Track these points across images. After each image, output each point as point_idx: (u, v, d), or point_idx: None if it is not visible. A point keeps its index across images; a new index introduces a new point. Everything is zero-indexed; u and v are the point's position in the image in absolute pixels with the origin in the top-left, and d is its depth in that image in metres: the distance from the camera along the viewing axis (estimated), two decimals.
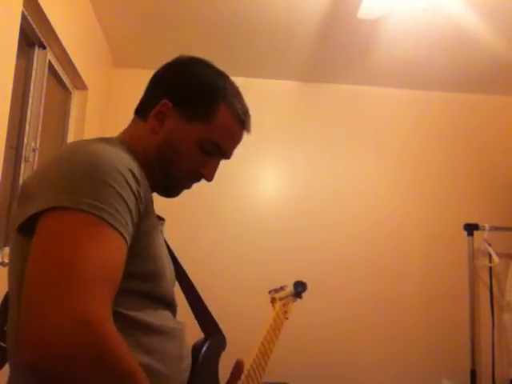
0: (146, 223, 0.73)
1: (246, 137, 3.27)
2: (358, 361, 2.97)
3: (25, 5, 1.72)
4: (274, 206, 3.12)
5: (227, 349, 0.97)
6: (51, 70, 2.22)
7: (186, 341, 0.83)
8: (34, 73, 2.04)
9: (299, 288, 1.57)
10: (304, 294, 1.59)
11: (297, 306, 3.17)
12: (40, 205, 0.64)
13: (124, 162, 0.71)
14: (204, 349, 0.87)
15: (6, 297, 0.80)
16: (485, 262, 3.00)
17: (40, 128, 2.09)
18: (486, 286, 3.08)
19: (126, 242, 0.66)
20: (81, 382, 0.55)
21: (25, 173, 2.00)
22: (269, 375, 3.09)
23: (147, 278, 0.74)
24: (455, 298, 3.05)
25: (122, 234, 0.64)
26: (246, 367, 1.01)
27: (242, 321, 2.93)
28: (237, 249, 3.02)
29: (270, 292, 1.45)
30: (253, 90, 3.23)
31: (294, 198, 3.14)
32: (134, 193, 0.69)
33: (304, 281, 1.57)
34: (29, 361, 0.53)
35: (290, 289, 1.53)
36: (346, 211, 3.14)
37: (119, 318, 0.64)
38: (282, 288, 1.49)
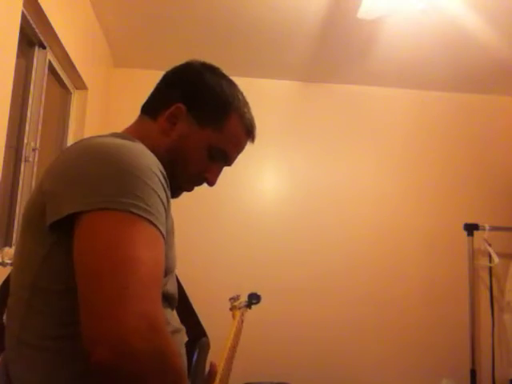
0: (168, 222, 0.74)
1: None
2: (358, 361, 2.97)
3: (25, 5, 1.72)
4: (274, 206, 3.12)
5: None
6: (51, 70, 2.22)
7: (183, 342, 0.84)
8: (33, 73, 2.04)
9: (254, 300, 1.63)
10: (255, 306, 1.65)
11: (297, 307, 3.18)
12: (86, 204, 0.63)
13: (154, 161, 0.72)
14: (196, 355, 0.88)
15: (3, 288, 0.80)
16: (485, 262, 3.00)
17: (40, 128, 2.09)
18: (486, 286, 3.08)
19: (165, 243, 0.68)
20: (152, 381, 0.57)
21: (25, 173, 2.00)
22: (269, 375, 3.11)
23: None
24: (455, 298, 3.05)
25: (162, 234, 0.67)
26: (219, 370, 1.03)
27: (244, 323, 2.93)
28: (237, 249, 3.02)
29: (230, 300, 1.48)
30: (253, 90, 3.23)
31: (294, 199, 3.14)
32: (165, 193, 0.71)
33: (259, 293, 1.63)
34: (107, 361, 0.54)
35: (244, 299, 1.59)
36: (346, 211, 3.14)
37: None
38: (237, 296, 1.54)
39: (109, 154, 0.69)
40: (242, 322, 1.45)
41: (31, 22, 1.88)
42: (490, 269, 2.99)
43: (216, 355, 1.09)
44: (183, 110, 0.87)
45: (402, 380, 2.94)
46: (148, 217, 0.64)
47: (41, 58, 2.08)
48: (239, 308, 1.46)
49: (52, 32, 1.98)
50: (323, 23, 2.53)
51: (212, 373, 0.97)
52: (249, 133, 0.93)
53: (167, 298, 0.79)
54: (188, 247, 2.96)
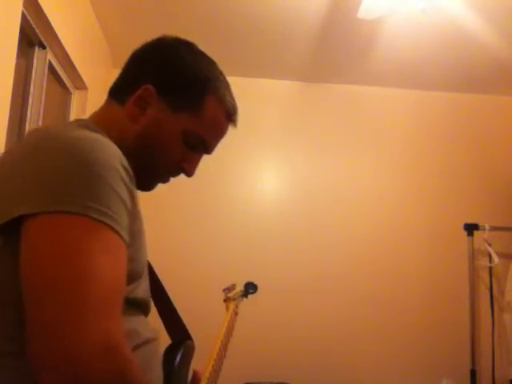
0: (136, 222, 0.67)
1: (246, 137, 3.27)
2: (358, 361, 2.97)
3: (25, 5, 1.72)
4: (274, 206, 3.11)
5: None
6: (51, 70, 2.22)
7: (159, 352, 0.78)
8: (33, 73, 2.04)
9: (250, 289, 1.58)
10: (252, 296, 1.60)
11: (297, 307, 3.18)
12: (34, 205, 0.55)
13: (115, 155, 0.64)
14: (178, 358, 0.82)
15: None
16: (485, 262, 3.00)
17: None
18: (486, 286, 3.08)
19: (126, 247, 0.61)
20: None
21: None
22: (269, 375, 3.10)
23: (127, 280, 0.64)
24: (455, 298, 3.05)
25: (123, 239, 0.60)
26: (205, 375, 0.98)
27: (245, 323, 2.93)
28: (236, 249, 3.02)
29: (224, 291, 1.41)
30: (253, 90, 3.25)
31: (294, 198, 3.13)
32: (129, 191, 0.63)
33: (255, 283, 1.58)
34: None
35: (240, 289, 1.54)
36: (346, 211, 3.14)
37: None
38: (233, 286, 1.48)
39: (62, 147, 0.61)
40: (236, 314, 1.40)
41: (31, 22, 1.88)
42: (490, 269, 2.99)
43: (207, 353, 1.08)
44: (153, 92, 0.77)
45: (402, 380, 2.94)
46: (107, 221, 0.57)
47: (41, 58, 2.08)
48: (234, 299, 1.40)
49: (52, 32, 1.98)
50: (323, 23, 2.53)
51: (195, 382, 0.90)
52: (229, 116, 0.85)
53: (138, 305, 0.72)
54: (187, 247, 2.96)
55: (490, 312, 2.95)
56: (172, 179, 0.89)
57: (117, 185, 0.60)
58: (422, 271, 3.11)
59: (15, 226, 0.56)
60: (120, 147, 0.71)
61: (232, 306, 1.35)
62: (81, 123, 0.73)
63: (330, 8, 2.38)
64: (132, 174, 0.66)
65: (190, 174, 0.86)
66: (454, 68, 2.99)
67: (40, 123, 2.08)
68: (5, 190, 0.59)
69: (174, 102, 0.78)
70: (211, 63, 0.84)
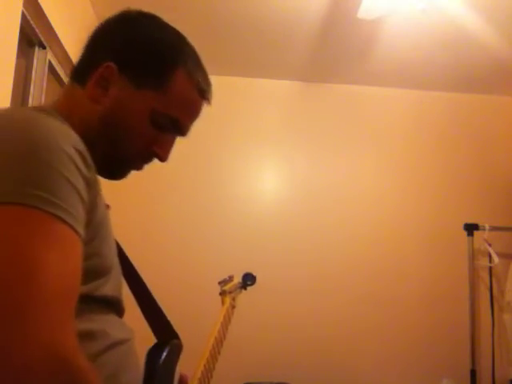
0: (97, 213, 0.61)
1: (246, 136, 3.27)
2: (357, 361, 2.97)
3: (25, 5, 1.72)
4: (274, 206, 3.11)
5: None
6: (51, 70, 2.22)
7: (135, 352, 0.71)
8: (33, 73, 2.04)
9: (249, 281, 1.51)
10: (251, 287, 1.54)
11: (297, 307, 3.18)
12: None
13: (70, 139, 0.57)
14: (163, 357, 0.77)
15: None
16: (485, 262, 3.00)
17: None
18: (486, 286, 3.08)
19: (82, 241, 0.54)
20: None
21: None
22: (269, 375, 3.10)
23: (88, 278, 0.59)
24: (455, 298, 3.05)
25: (77, 232, 0.53)
26: (197, 375, 0.94)
27: (245, 323, 2.94)
28: (236, 249, 3.02)
29: (219, 283, 1.34)
30: (253, 90, 3.26)
31: (294, 198, 3.13)
32: (84, 178, 0.56)
33: (254, 274, 1.51)
34: None
35: (238, 280, 1.48)
36: (346, 211, 3.14)
37: None
38: (230, 278, 1.41)
39: (7, 130, 0.55)
40: (234, 307, 1.34)
41: (31, 22, 1.88)
42: (490, 269, 2.99)
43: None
44: (114, 70, 0.71)
45: (402, 380, 2.94)
46: (56, 212, 0.50)
47: (41, 58, 2.08)
48: (230, 292, 1.33)
49: (52, 32, 1.98)
50: (323, 23, 2.53)
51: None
52: (202, 93, 0.77)
53: (107, 303, 0.66)
54: (186, 247, 2.95)
55: (490, 312, 2.95)
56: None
57: (68, 171, 0.53)
58: (422, 271, 3.11)
59: None
60: (84, 132, 0.67)
61: (228, 299, 1.29)
62: (37, 108, 0.67)
63: (329, 8, 2.38)
64: (90, 158, 0.59)
65: (163, 158, 0.77)
66: (454, 68, 2.99)
67: None
68: None
69: (138, 78, 0.72)
70: (179, 36, 0.78)
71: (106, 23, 0.77)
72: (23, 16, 1.74)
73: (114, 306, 0.69)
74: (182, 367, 0.88)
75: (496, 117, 3.35)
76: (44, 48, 2.08)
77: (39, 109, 0.65)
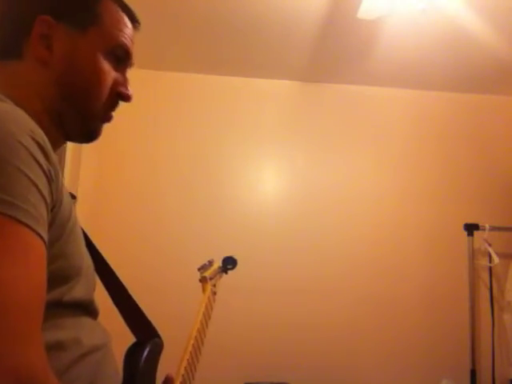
0: (61, 210, 0.55)
1: (245, 136, 3.28)
2: (357, 361, 2.97)
3: None
4: (274, 206, 3.11)
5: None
6: None
7: (112, 357, 0.68)
8: None
9: (229, 265, 1.48)
10: (231, 271, 1.50)
11: (297, 307, 3.17)
12: None
13: (25, 128, 0.51)
14: (144, 356, 0.73)
15: None
16: (485, 262, 3.00)
17: None
18: (486, 286, 3.08)
19: (45, 244, 0.49)
20: None
21: None
22: (269, 375, 3.10)
23: (55, 282, 0.55)
24: (455, 298, 3.05)
25: (40, 236, 0.48)
26: (180, 371, 0.90)
27: (244, 323, 2.94)
28: (235, 249, 3.01)
29: (199, 270, 1.28)
30: (253, 90, 3.25)
31: (294, 199, 3.13)
32: (44, 172, 0.51)
33: (235, 257, 1.47)
34: None
35: (218, 265, 1.43)
36: (346, 211, 3.14)
37: None
38: (210, 263, 1.36)
39: None
40: (215, 293, 1.28)
41: None
42: (490, 269, 2.99)
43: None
44: (51, 22, 0.65)
45: (402, 380, 2.94)
46: (16, 215, 0.45)
47: None
48: (211, 278, 1.27)
49: None
50: (323, 23, 2.53)
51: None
52: (130, 13, 0.73)
53: (79, 306, 0.62)
54: (186, 247, 2.95)
55: (490, 312, 2.95)
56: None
57: (26, 166, 0.48)
58: (422, 271, 3.11)
59: None
60: (43, 104, 0.64)
61: (209, 286, 1.23)
62: None
63: (329, 8, 2.38)
64: (48, 145, 0.53)
65: (129, 96, 0.73)
66: (454, 68, 2.99)
67: None
68: None
69: (77, 22, 0.66)
70: None
71: None
72: None
73: (87, 309, 0.65)
74: (165, 362, 0.84)
75: (496, 117, 3.35)
76: None
77: None
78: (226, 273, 1.47)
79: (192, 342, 1.00)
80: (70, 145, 2.57)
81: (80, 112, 0.68)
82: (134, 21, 0.74)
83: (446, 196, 3.22)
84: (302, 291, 2.99)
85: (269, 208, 3.10)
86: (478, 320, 3.03)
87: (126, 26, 0.72)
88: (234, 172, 3.09)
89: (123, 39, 0.71)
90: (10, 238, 0.44)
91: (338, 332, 2.98)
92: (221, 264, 1.45)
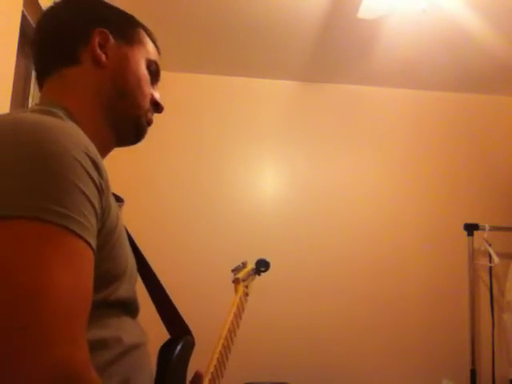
0: (109, 218, 0.60)
1: (245, 137, 3.28)
2: (358, 361, 2.97)
3: (25, 5, 1.71)
4: (274, 206, 3.11)
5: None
6: None
7: (148, 355, 0.72)
8: (34, 73, 2.04)
9: (262, 267, 1.51)
10: (265, 274, 1.52)
11: (297, 307, 3.17)
12: None
13: (80, 144, 0.56)
14: (176, 352, 0.78)
15: None
16: (485, 261, 3.00)
17: None
18: (486, 285, 3.08)
19: (93, 251, 0.54)
20: None
21: None
22: (269, 375, 3.10)
23: (102, 283, 0.60)
24: (455, 298, 3.05)
25: (90, 244, 0.52)
26: (210, 369, 0.94)
27: (245, 323, 2.93)
28: (236, 249, 3.01)
29: (233, 271, 1.34)
30: (253, 90, 3.25)
31: (294, 199, 3.13)
32: (96, 186, 0.55)
33: (268, 259, 1.50)
34: None
35: (251, 267, 1.45)
36: (346, 211, 3.14)
37: None
38: (243, 265, 1.40)
39: (15, 138, 0.53)
40: (247, 295, 1.32)
41: (31, 22, 1.88)
42: (490, 269, 2.99)
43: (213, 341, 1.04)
44: (108, 34, 0.77)
45: (402, 380, 2.94)
46: (70, 225, 0.49)
47: None
48: (243, 280, 1.31)
49: None
50: (323, 23, 2.53)
51: (195, 382, 0.86)
52: (155, 41, 0.86)
53: (122, 306, 0.66)
54: (185, 248, 2.95)
55: (489, 312, 2.95)
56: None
57: (80, 180, 0.52)
58: (422, 271, 3.11)
59: None
60: (102, 103, 0.74)
61: (241, 287, 1.27)
62: (38, 108, 0.65)
63: (329, 8, 2.38)
64: (100, 161, 0.58)
65: (162, 107, 0.84)
66: (454, 68, 2.99)
67: None
68: None
69: (125, 36, 0.79)
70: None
71: (64, 7, 0.80)
72: (23, 16, 1.74)
73: (129, 308, 0.69)
74: (195, 360, 0.88)
75: (496, 117, 3.35)
76: None
77: (43, 111, 0.63)
78: (259, 275, 1.50)
79: (222, 341, 1.03)
80: None
81: (133, 107, 0.78)
82: (158, 49, 0.87)
83: (446, 196, 3.22)
84: (303, 291, 2.99)
85: (269, 208, 3.10)
86: (478, 320, 3.03)
87: (155, 52, 0.85)
88: (235, 171, 3.09)
89: (156, 59, 0.84)
90: (62, 246, 0.49)
91: (338, 332, 2.98)
92: (254, 266, 1.48)
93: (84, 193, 0.52)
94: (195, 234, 3.00)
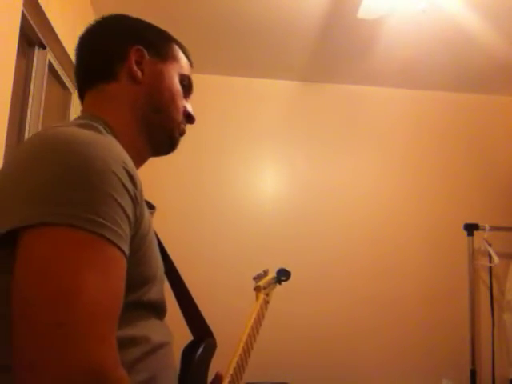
0: (142, 226, 0.64)
1: (246, 137, 3.28)
2: (358, 361, 2.97)
3: (25, 5, 1.71)
4: (274, 206, 3.11)
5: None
6: (51, 70, 2.22)
7: (172, 354, 0.76)
8: (33, 73, 2.04)
9: (283, 277, 1.53)
10: (286, 283, 1.56)
11: (297, 307, 3.17)
12: (24, 218, 0.52)
13: (118, 158, 0.61)
14: (199, 352, 0.82)
15: None
16: (485, 262, 3.00)
17: (40, 128, 2.08)
18: (486, 285, 3.08)
19: (126, 258, 0.59)
20: None
21: None
22: (269, 375, 3.10)
23: (134, 286, 0.64)
24: (455, 298, 3.05)
25: (122, 251, 0.57)
26: (229, 371, 0.98)
27: (243, 324, 2.93)
28: (236, 249, 3.02)
29: (254, 279, 1.38)
30: (253, 90, 3.25)
31: (294, 199, 3.13)
32: (131, 197, 0.60)
33: (288, 269, 1.52)
34: None
35: (272, 275, 1.48)
36: (346, 211, 3.14)
37: None
38: (265, 273, 1.43)
39: (58, 154, 0.57)
40: (268, 303, 1.38)
41: (31, 22, 1.88)
42: (490, 269, 2.99)
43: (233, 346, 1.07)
44: (144, 52, 0.82)
45: (402, 380, 2.94)
46: (104, 233, 0.54)
47: (41, 58, 2.08)
48: (264, 288, 1.36)
49: (52, 32, 1.98)
50: (323, 23, 2.53)
51: (215, 383, 0.90)
52: (188, 56, 0.91)
53: (151, 307, 0.71)
54: (186, 247, 2.95)
55: (489, 312, 2.95)
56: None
57: (116, 192, 0.57)
58: (422, 271, 3.11)
59: (12, 239, 0.54)
60: (138, 116, 0.79)
61: (262, 295, 1.33)
62: (81, 122, 0.69)
63: (329, 8, 2.38)
64: (136, 174, 0.63)
65: (194, 119, 0.88)
66: (454, 68, 2.99)
67: (40, 123, 2.08)
68: (2, 201, 0.57)
69: (159, 53, 0.84)
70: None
71: (102, 26, 0.88)
72: (23, 16, 1.74)
73: (158, 310, 0.73)
74: (217, 362, 0.92)
75: (496, 117, 3.35)
76: (44, 48, 2.08)
77: (87, 125, 0.67)
78: (280, 283, 1.55)
79: (242, 345, 1.08)
80: None
81: (167, 119, 0.83)
82: (191, 63, 0.92)
83: (446, 196, 3.22)
84: (303, 291, 2.99)
85: (269, 208, 3.10)
86: (478, 320, 3.03)
87: (188, 66, 0.90)
88: (235, 171, 3.09)
89: (189, 74, 0.88)
90: (97, 252, 0.53)
91: (338, 332, 2.98)
92: (275, 275, 1.52)
93: (120, 204, 0.57)
94: (195, 233, 3.00)
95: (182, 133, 0.87)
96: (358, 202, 3.16)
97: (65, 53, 2.17)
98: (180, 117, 0.85)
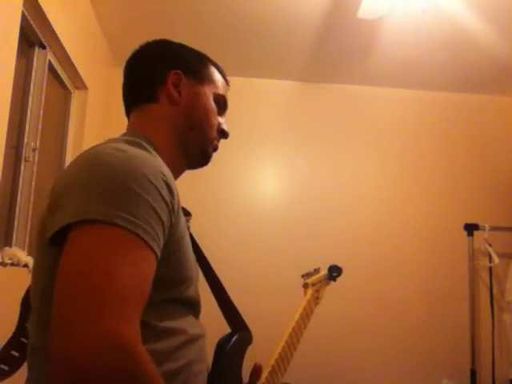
0: (177, 231, 0.73)
1: (246, 137, 3.28)
2: (358, 361, 2.97)
3: (25, 5, 1.72)
4: (274, 206, 3.11)
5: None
6: (51, 70, 2.22)
7: (205, 347, 0.83)
8: (33, 73, 2.04)
9: (334, 273, 1.60)
10: (338, 279, 1.63)
11: (297, 307, 3.15)
12: (71, 216, 0.62)
13: (157, 170, 0.70)
14: (231, 342, 0.87)
15: (27, 293, 0.81)
16: (485, 262, 3.00)
17: (40, 128, 2.09)
18: (486, 285, 3.08)
19: (156, 257, 0.66)
20: None
21: (25, 173, 2.00)
22: None
23: (173, 284, 0.74)
24: (455, 298, 3.05)
25: (153, 250, 0.64)
26: (270, 362, 1.04)
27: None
28: (236, 249, 3.02)
29: (303, 276, 1.46)
30: (253, 90, 3.25)
31: (294, 199, 3.13)
32: (167, 204, 0.68)
33: (339, 265, 1.60)
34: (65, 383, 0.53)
35: (324, 272, 1.54)
36: (346, 211, 3.14)
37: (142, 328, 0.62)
38: (315, 271, 1.50)
39: (101, 162, 0.68)
40: (318, 298, 1.45)
41: (31, 22, 1.88)
42: (490, 269, 2.99)
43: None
44: (181, 75, 0.89)
45: (402, 380, 2.94)
46: (136, 231, 0.62)
47: (41, 58, 2.08)
48: (313, 284, 1.44)
49: (52, 32, 1.98)
50: (323, 23, 2.53)
51: (254, 375, 0.95)
52: (224, 76, 0.97)
53: (188, 304, 0.80)
54: None
55: (489, 312, 2.95)
56: None
57: (151, 197, 0.65)
58: (423, 271, 3.11)
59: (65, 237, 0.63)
60: (177, 134, 0.87)
61: (309, 292, 1.41)
62: (128, 139, 0.78)
63: (329, 8, 2.38)
64: (174, 185, 0.72)
65: (228, 134, 0.95)
66: (454, 68, 2.99)
67: (40, 123, 2.08)
68: (52, 207, 0.68)
69: (196, 75, 0.91)
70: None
71: (144, 52, 0.96)
72: (23, 16, 1.74)
73: (194, 307, 0.82)
74: (259, 357, 0.98)
75: (496, 117, 3.35)
76: (44, 48, 2.08)
77: (133, 142, 0.77)
78: (334, 280, 1.62)
79: (286, 338, 1.15)
80: (69, 139, 2.57)
81: (201, 137, 0.90)
82: (227, 82, 0.98)
83: (446, 196, 3.22)
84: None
85: (269, 208, 3.10)
86: (478, 320, 3.03)
87: (224, 85, 0.96)
88: (235, 171, 3.09)
89: (223, 93, 0.94)
90: (129, 247, 0.61)
91: (338, 332, 2.98)
92: (327, 272, 1.58)
93: (154, 208, 0.65)
94: (195, 233, 2.99)
95: (215, 148, 0.94)
96: (358, 202, 3.16)
97: (65, 53, 2.17)
98: (213, 134, 0.92)
